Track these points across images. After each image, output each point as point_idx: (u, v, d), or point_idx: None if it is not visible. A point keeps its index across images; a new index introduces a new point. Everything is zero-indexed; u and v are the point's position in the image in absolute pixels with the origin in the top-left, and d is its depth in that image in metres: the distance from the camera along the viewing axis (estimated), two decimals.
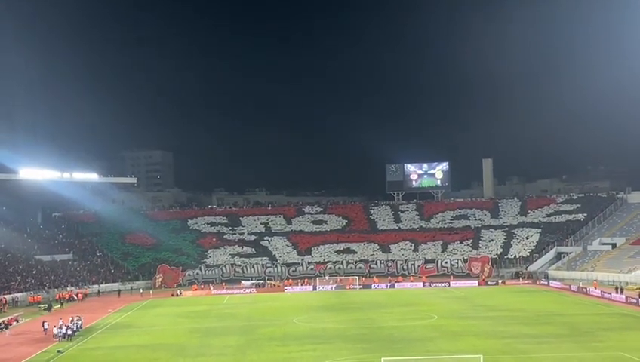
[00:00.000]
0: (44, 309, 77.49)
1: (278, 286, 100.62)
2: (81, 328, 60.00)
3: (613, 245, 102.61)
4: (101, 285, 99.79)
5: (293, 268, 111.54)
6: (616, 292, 75.64)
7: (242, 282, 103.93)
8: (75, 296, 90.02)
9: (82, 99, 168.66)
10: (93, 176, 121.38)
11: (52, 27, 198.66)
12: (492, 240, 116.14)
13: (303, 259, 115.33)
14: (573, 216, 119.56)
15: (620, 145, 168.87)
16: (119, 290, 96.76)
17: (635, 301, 68.49)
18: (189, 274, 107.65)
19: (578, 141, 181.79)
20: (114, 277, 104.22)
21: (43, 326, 60.00)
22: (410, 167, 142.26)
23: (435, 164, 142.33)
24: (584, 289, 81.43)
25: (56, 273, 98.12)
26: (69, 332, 56.42)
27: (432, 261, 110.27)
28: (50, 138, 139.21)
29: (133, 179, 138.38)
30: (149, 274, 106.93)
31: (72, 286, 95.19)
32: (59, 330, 56.69)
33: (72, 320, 59.19)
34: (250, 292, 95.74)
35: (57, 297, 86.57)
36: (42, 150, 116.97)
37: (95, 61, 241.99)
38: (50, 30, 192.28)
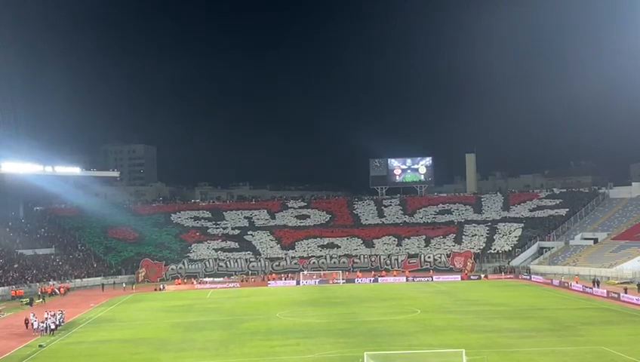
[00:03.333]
0: (26, 303, 76.98)
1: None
2: (63, 322, 59.71)
3: (595, 240, 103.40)
4: (83, 279, 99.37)
5: (277, 263, 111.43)
6: (594, 286, 76.42)
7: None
8: (57, 291, 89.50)
9: (65, 93, 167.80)
10: (75, 170, 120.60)
11: (34, 23, 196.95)
12: (475, 235, 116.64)
13: (286, 254, 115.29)
14: (556, 211, 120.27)
15: (603, 141, 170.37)
16: (102, 284, 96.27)
17: (616, 295, 69.03)
18: (172, 269, 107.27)
19: (561, 137, 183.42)
20: (96, 271, 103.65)
21: (30, 320, 59.08)
22: (394, 162, 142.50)
23: (419, 158, 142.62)
24: (566, 284, 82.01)
25: (38, 267, 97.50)
26: (52, 326, 56.10)
27: (415, 256, 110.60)
28: (32, 131, 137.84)
29: (116, 173, 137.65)
30: (131, 268, 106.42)
31: (54, 280, 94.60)
32: (40, 324, 56.42)
33: (54, 315, 58.84)
34: (234, 286, 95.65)
35: (40, 291, 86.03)
36: (24, 143, 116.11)
37: (78, 55, 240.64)
38: (33, 26, 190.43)
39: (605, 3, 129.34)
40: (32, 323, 57.58)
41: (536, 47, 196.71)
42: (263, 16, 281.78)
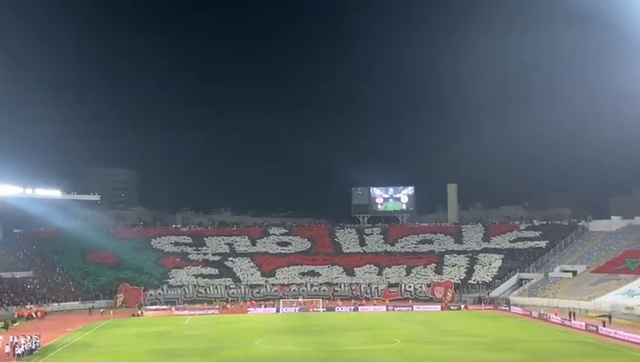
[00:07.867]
0: (2, 327, 76.10)
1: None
2: (39, 347, 59.02)
3: (574, 272, 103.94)
4: (61, 304, 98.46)
5: (257, 290, 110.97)
6: (570, 318, 76.82)
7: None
8: (34, 314, 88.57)
9: (47, 114, 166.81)
10: (55, 193, 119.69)
11: (15, 39, 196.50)
12: (455, 265, 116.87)
13: (267, 281, 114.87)
14: (535, 243, 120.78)
15: (582, 173, 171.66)
16: (89, 308, 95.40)
17: (594, 328, 69.33)
18: (150, 294, 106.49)
19: (541, 168, 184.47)
20: (74, 295, 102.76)
21: (9, 342, 57.89)
22: (376, 191, 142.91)
23: (401, 188, 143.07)
24: (545, 316, 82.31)
25: (15, 290, 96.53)
26: (23, 351, 55.29)
27: (396, 285, 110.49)
28: (12, 153, 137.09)
29: (97, 197, 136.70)
30: (109, 293, 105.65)
31: (31, 303, 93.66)
32: (16, 348, 55.66)
33: (30, 339, 58.15)
34: (213, 313, 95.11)
35: (17, 315, 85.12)
36: (4, 165, 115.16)
37: (62, 76, 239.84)
38: (14, 42, 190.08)
39: (588, 39, 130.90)
40: (10, 346, 56.63)
41: (519, 78, 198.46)
42: (250, 39, 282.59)
